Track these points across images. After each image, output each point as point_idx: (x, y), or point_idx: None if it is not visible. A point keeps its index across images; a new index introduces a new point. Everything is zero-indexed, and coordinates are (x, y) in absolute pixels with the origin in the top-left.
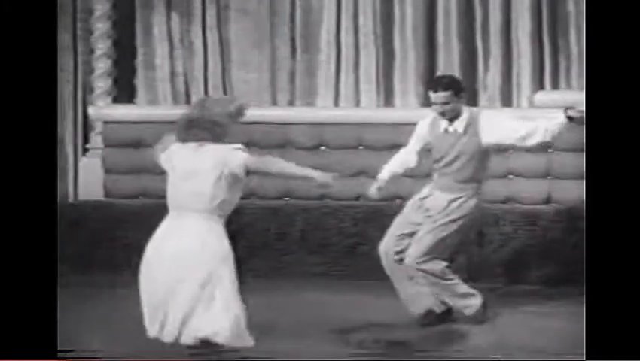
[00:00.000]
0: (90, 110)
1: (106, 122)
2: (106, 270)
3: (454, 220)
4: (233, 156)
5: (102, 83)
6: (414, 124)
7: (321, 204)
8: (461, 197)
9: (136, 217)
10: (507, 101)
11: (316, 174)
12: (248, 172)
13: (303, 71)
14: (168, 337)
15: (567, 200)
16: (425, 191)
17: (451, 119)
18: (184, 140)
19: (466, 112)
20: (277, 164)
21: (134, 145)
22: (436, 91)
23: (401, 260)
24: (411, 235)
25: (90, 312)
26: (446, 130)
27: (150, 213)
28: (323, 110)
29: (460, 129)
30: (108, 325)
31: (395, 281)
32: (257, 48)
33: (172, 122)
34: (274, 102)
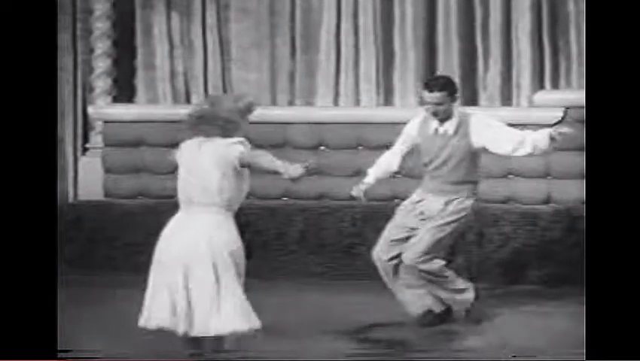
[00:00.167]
0: (90, 110)
1: (106, 122)
2: (106, 270)
3: (451, 222)
4: (231, 149)
5: (101, 83)
6: None
7: (320, 204)
8: (457, 198)
9: (136, 217)
10: (506, 100)
11: (283, 169)
12: (243, 165)
13: (303, 71)
14: (178, 328)
15: (566, 200)
16: (415, 195)
17: (442, 120)
18: (193, 135)
19: (457, 114)
20: (266, 156)
21: (134, 144)
22: (431, 91)
23: (396, 266)
24: (405, 240)
25: (90, 312)
26: (436, 131)
27: (150, 213)
28: (323, 110)
29: (451, 131)
30: (108, 325)
31: (391, 285)
32: (257, 48)
33: (171, 122)
34: (274, 102)
